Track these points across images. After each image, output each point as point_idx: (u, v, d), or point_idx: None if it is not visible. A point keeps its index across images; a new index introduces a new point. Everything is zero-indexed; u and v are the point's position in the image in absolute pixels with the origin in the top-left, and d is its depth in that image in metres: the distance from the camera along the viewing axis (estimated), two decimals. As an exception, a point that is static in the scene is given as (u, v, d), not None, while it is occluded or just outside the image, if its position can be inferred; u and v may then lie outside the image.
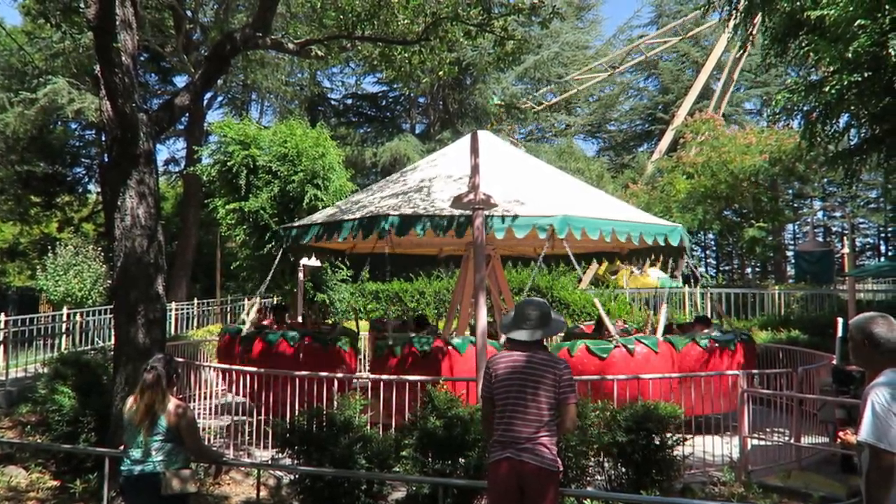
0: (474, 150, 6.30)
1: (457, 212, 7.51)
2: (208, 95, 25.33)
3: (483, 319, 6.12)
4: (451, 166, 9.40)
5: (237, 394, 8.63)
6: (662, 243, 8.91)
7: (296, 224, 9.86)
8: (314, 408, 6.21)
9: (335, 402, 6.41)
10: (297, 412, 6.66)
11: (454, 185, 8.64)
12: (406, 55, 8.39)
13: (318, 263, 13.33)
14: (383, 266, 12.36)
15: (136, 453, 4.19)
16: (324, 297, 16.21)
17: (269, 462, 6.63)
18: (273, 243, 12.49)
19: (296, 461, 5.89)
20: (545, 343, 4.03)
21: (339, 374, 7.57)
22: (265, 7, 7.28)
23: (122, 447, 4.44)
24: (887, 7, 7.77)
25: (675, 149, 24.09)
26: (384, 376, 7.21)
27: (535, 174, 9.88)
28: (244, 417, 8.44)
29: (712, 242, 37.16)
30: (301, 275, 13.40)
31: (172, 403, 4.25)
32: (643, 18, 40.56)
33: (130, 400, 4.36)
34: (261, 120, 28.65)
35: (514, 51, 8.17)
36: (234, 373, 8.32)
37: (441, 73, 8.87)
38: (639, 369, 7.55)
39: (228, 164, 14.02)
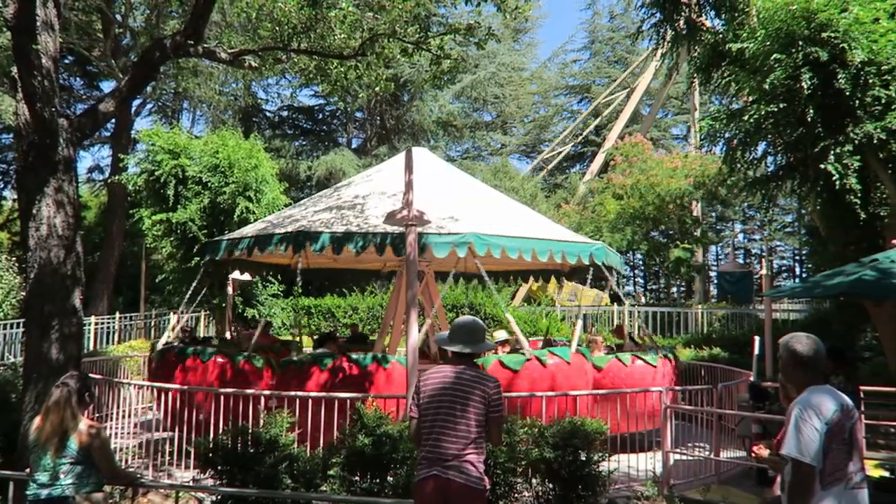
0: (408, 167, 6.31)
1: (390, 228, 7.50)
2: (137, 102, 24.53)
3: (414, 336, 6.10)
4: (386, 182, 9.39)
5: (158, 411, 8.30)
6: (587, 262, 9.10)
7: (225, 237, 9.62)
8: (238, 426, 6.03)
9: (261, 420, 6.24)
10: (220, 431, 6.45)
11: (388, 201, 8.63)
12: (342, 69, 8.36)
13: (248, 278, 13.04)
14: (317, 281, 12.22)
15: (43, 476, 3.96)
16: (254, 312, 15.84)
17: (190, 483, 6.38)
18: (201, 256, 12.17)
19: (218, 482, 5.69)
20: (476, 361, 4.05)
21: (266, 392, 7.37)
22: (198, 14, 7.11)
23: (27, 470, 4.18)
24: (800, 43, 8.27)
25: (605, 170, 24.78)
26: (312, 393, 7.07)
27: (471, 192, 9.98)
28: (165, 436, 8.12)
29: (640, 262, 38.30)
30: (230, 289, 13.06)
31: (84, 423, 4.04)
32: (577, 43, 41.78)
33: (38, 419, 4.12)
34: (192, 129, 27.90)
35: (450, 70, 8.26)
36: (156, 390, 8.01)
37: (378, 88, 8.87)
38: (553, 381, 7.70)
39: (156, 173, 13.59)
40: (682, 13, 10.49)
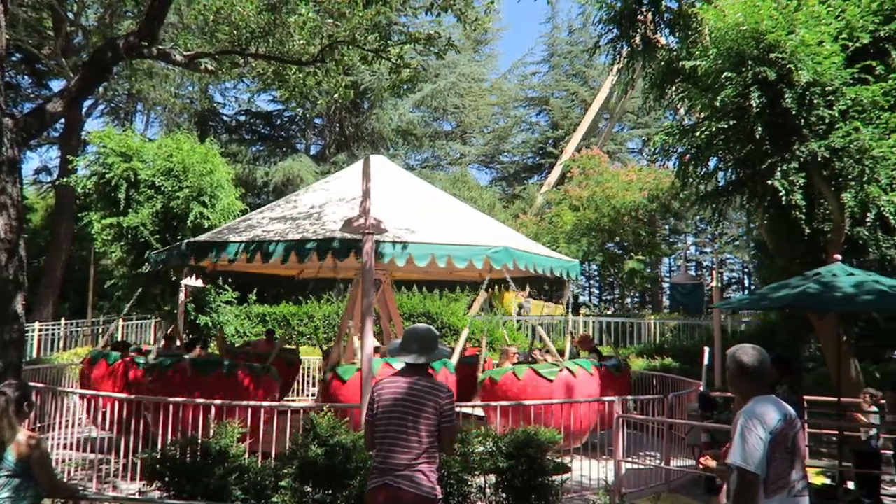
0: (366, 175, 6.29)
1: (348, 236, 7.44)
2: (88, 103, 23.88)
3: (369, 345, 6.06)
4: (344, 190, 9.33)
5: (101, 423, 8.05)
6: (544, 273, 9.20)
7: (178, 243, 9.42)
8: (188, 436, 5.89)
9: (211, 431, 6.11)
10: (169, 441, 6.28)
11: (346, 208, 8.58)
12: (301, 75, 8.29)
13: (200, 284, 12.77)
14: (271, 288, 12.06)
15: (-22, 490, 3.79)
16: (207, 320, 15.51)
17: (136, 496, 6.20)
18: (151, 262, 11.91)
19: (165, 494, 5.54)
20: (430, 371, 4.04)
21: (217, 402, 7.22)
22: (153, 15, 6.98)
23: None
24: (750, 63, 8.53)
25: (563, 182, 25.11)
26: (265, 402, 6.95)
27: (430, 201, 9.98)
28: (110, 447, 7.87)
29: (596, 273, 38.86)
30: (182, 296, 12.77)
31: (23, 434, 3.88)
32: (536, 56, 42.28)
33: (-28, 431, 3.94)
34: (146, 132, 27.28)
35: (409, 78, 8.27)
36: (100, 400, 7.77)
37: (337, 95, 8.83)
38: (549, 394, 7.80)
39: (107, 176, 13.24)
40: (638, 30, 10.74)
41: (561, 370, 8.22)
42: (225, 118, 30.21)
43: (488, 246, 8.22)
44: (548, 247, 17.40)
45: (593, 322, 18.95)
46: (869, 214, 8.69)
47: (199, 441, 5.79)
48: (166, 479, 5.61)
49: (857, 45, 8.70)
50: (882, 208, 8.52)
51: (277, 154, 27.60)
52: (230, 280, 13.01)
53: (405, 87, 8.76)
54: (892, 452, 8.11)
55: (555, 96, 38.69)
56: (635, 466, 7.94)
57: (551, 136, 37.84)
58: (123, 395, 7.55)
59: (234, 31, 7.70)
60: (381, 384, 3.84)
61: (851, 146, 8.28)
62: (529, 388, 7.96)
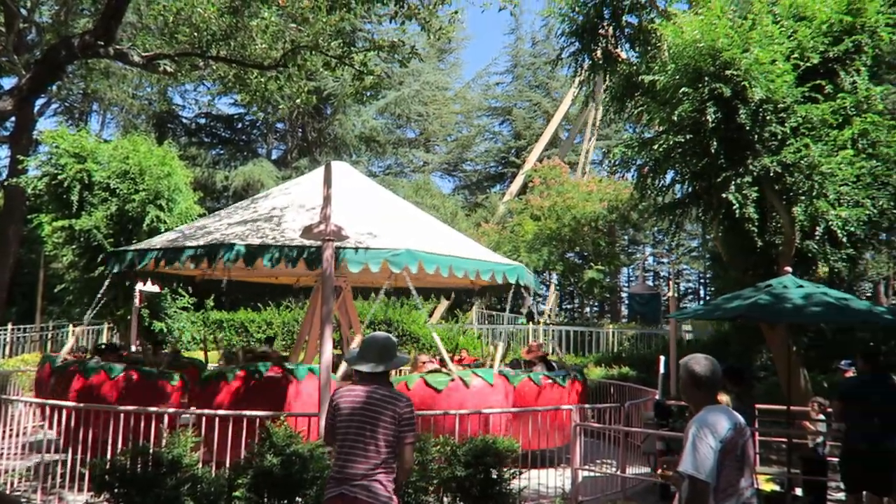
0: (327, 182, 6.25)
1: (307, 242, 7.38)
2: (41, 102, 23.21)
3: (328, 353, 6.01)
4: (305, 195, 9.25)
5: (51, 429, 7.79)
6: (500, 281, 9.23)
7: (132, 247, 9.20)
8: (138, 446, 5.73)
9: (163, 440, 5.96)
10: (118, 451, 6.11)
11: (307, 214, 8.50)
12: (262, 80, 8.21)
13: (156, 289, 12.50)
14: (230, 294, 11.85)
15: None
16: (161, 326, 15.18)
17: (83, 507, 6.01)
18: (105, 266, 11.62)
19: (114, 505, 5.39)
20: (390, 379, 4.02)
21: (170, 409, 7.06)
22: (110, 14, 6.83)
23: None
24: (706, 79, 8.75)
25: (525, 192, 25.34)
26: (220, 411, 6.82)
27: (390, 208, 9.96)
28: (57, 457, 7.62)
29: (556, 282, 39.25)
30: (137, 301, 12.48)
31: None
32: (500, 66, 42.67)
33: None
34: (101, 133, 26.66)
35: (372, 85, 8.25)
36: (48, 408, 7.51)
37: (299, 100, 8.76)
38: (475, 402, 7.70)
39: (59, 177, 12.89)
40: (600, 44, 10.93)
41: (452, 380, 8.02)
42: (184, 120, 29.72)
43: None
44: (509, 256, 17.53)
45: (553, 331, 19.11)
46: (818, 228, 8.97)
47: (151, 450, 5.65)
48: (115, 489, 5.45)
49: (808, 64, 9.00)
50: (830, 223, 8.80)
51: (238, 158, 27.25)
52: (188, 286, 12.73)
53: (368, 93, 8.73)
54: (837, 460, 8.36)
55: (518, 107, 39.10)
56: (592, 474, 8.02)
57: (514, 145, 38.19)
58: (71, 404, 7.32)
59: (195, 33, 7.58)
60: (340, 392, 3.80)
61: (802, 162, 8.55)
62: (418, 397, 7.78)
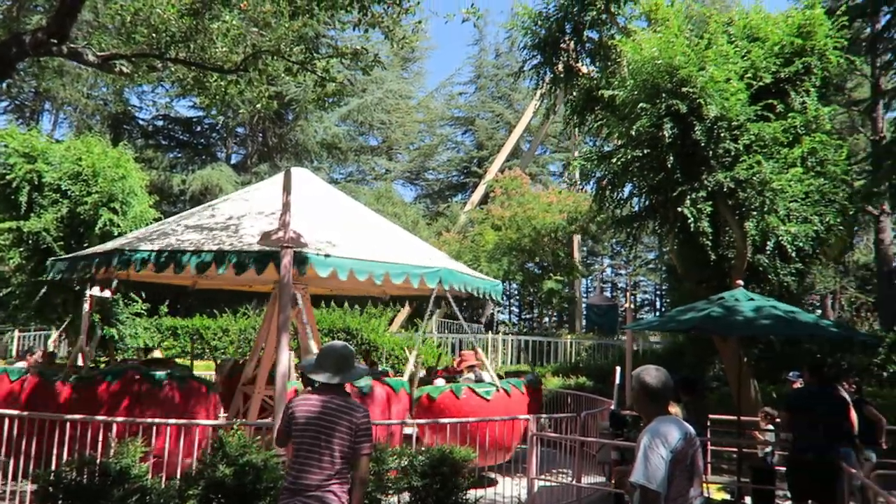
0: (286, 188, 6.18)
1: (266, 248, 7.27)
2: (-10, 99, 22.49)
3: (284, 361, 5.93)
4: (265, 202, 9.13)
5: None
6: (482, 296, 9.25)
7: (83, 252, 8.95)
8: (84, 456, 5.56)
9: (111, 450, 5.79)
10: (64, 461, 5.91)
11: (265, 220, 8.39)
12: (222, 83, 8.08)
13: (107, 294, 12.16)
14: (185, 300, 11.60)
15: None
16: (113, 332, 14.76)
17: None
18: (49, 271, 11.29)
19: (58, 518, 5.21)
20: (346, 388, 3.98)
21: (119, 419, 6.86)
22: (64, 11, 6.66)
23: None
24: (664, 95, 8.95)
25: (486, 202, 25.49)
26: (171, 420, 6.66)
27: (352, 216, 9.89)
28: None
29: (516, 292, 39.51)
30: (87, 306, 12.12)
31: None
32: (464, 77, 42.96)
33: None
34: (53, 133, 25.91)
35: (334, 92, 8.21)
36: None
37: (259, 105, 8.66)
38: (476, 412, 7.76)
39: (7, 177, 12.45)
40: (561, 58, 11.10)
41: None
42: (141, 122, 29.08)
43: (425, 266, 8.20)
44: (469, 265, 17.58)
45: (512, 341, 19.21)
46: (769, 243, 9.24)
47: (98, 460, 5.48)
48: (60, 501, 5.27)
49: (761, 84, 9.30)
50: (780, 238, 9.07)
51: (196, 162, 26.80)
52: (141, 291, 12.46)
53: (331, 100, 8.69)
54: (785, 469, 8.58)
55: (480, 117, 39.38)
56: (548, 484, 8.06)
57: (476, 155, 38.42)
58: (14, 412, 7.05)
59: (153, 34, 7.43)
60: (295, 402, 3.75)
61: (754, 178, 8.81)
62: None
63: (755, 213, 9.09)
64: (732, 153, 8.95)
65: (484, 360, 8.97)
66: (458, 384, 8.40)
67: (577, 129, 11.82)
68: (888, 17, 17.37)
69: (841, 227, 9.93)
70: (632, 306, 14.59)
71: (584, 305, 27.10)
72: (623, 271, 41.17)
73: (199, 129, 29.65)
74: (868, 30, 17.66)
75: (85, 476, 5.34)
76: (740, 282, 8.36)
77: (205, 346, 17.88)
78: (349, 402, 3.73)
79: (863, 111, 19.00)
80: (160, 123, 29.32)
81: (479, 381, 8.75)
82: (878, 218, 18.48)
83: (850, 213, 10.30)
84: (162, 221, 10.62)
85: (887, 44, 17.12)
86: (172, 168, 26.38)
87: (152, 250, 7.76)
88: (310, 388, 4.00)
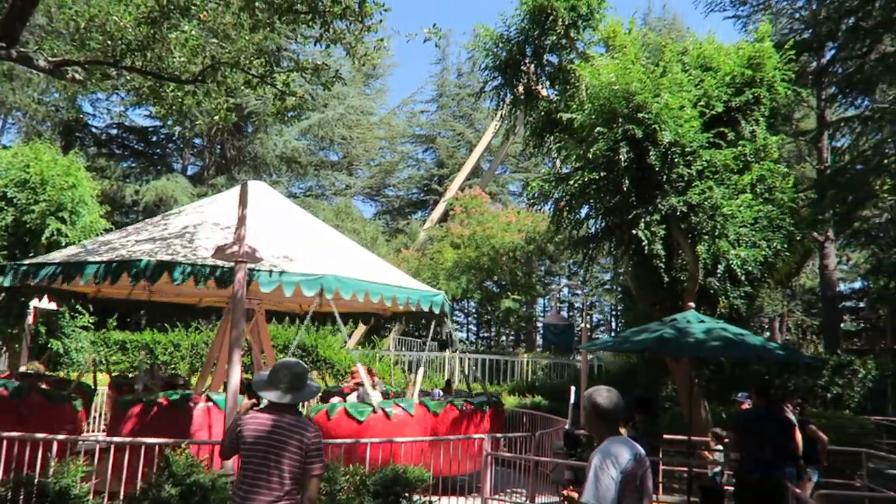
0: (242, 202, 6.10)
1: (220, 263, 7.14)
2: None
3: (236, 378, 5.80)
4: (220, 214, 8.98)
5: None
6: (426, 309, 9.21)
7: (27, 261, 8.64)
8: (22, 475, 5.33)
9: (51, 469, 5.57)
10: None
11: (221, 234, 8.25)
12: (179, 93, 7.94)
13: (53, 307, 11.78)
14: (135, 313, 11.27)
15: None
16: (58, 345, 14.25)
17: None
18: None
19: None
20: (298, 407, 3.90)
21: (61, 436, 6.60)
22: (14, 14, 6.48)
23: None
24: (620, 120, 9.15)
25: (446, 220, 25.57)
26: (115, 438, 6.44)
27: (308, 231, 9.80)
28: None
29: (474, 310, 39.59)
30: (30, 318, 11.70)
31: None
32: (426, 95, 43.09)
33: None
34: (0, 139, 25.08)
35: (294, 107, 8.14)
36: None
37: (217, 117, 8.53)
38: (395, 432, 7.60)
39: (-52, 183, 12.01)
40: (522, 80, 11.25)
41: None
42: (94, 130, 28.34)
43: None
44: (428, 283, 17.56)
45: (468, 359, 19.20)
46: (719, 266, 9.47)
47: (36, 481, 5.26)
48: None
49: (713, 112, 9.58)
50: (730, 261, 9.31)
51: (150, 172, 26.23)
52: (87, 304, 12.07)
53: (291, 114, 8.60)
54: (733, 489, 8.73)
55: (441, 135, 39.57)
56: (502, 503, 8.04)
57: (436, 173, 38.54)
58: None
59: (109, 42, 7.26)
60: (244, 419, 3.65)
61: (706, 203, 9.04)
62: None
63: (707, 237, 9.32)
64: (685, 178, 9.18)
65: (365, 379, 8.40)
66: (333, 405, 7.98)
67: (536, 150, 11.97)
68: (833, 52, 18.16)
69: (788, 253, 10.25)
70: (588, 326, 14.74)
71: (540, 324, 27.29)
72: (580, 291, 41.64)
73: (154, 138, 29.06)
74: (814, 64, 18.43)
75: (21, 496, 5.12)
76: (692, 304, 8.54)
77: (154, 361, 17.38)
78: (300, 420, 3.65)
79: (809, 141, 19.77)
80: (114, 132, 28.63)
81: (362, 400, 8.35)
82: (822, 244, 19.15)
83: (798, 238, 10.65)
84: (113, 232, 10.36)
85: (832, 77, 17.87)
86: (126, 178, 25.76)
87: (101, 261, 7.56)
88: (254, 401, 3.90)
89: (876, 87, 16.48)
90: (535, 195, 10.89)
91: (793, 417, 7.26)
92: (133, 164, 27.22)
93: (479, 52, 11.42)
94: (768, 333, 27.61)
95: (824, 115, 18.96)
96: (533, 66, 11.16)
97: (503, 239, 21.58)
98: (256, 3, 6.81)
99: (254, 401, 3.95)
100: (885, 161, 15.60)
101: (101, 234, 12.58)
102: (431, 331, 11.60)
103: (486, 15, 68.46)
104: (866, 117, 16.20)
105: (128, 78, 8.05)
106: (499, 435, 9.09)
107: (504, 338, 36.40)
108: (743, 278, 9.70)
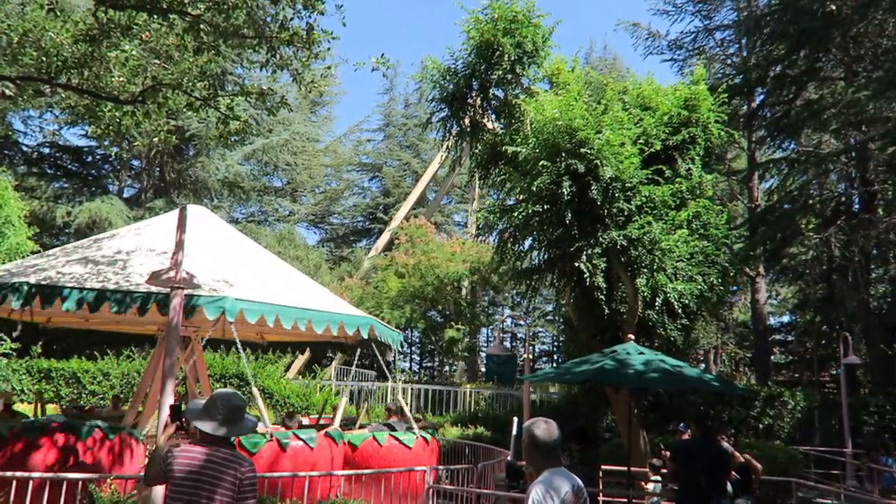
0: (181, 226, 5.92)
1: (154, 289, 6.89)
2: None
3: (168, 408, 5.55)
4: (157, 239, 8.70)
5: None
6: (366, 335, 9.06)
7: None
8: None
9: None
10: None
11: (157, 259, 7.97)
12: (117, 114, 7.71)
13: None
14: (62, 341, 10.75)
15: None
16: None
17: None
18: None
19: None
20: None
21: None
22: (-57, 27, 6.21)
23: None
24: (563, 154, 9.35)
25: (390, 248, 25.47)
26: (35, 474, 6.06)
27: (248, 257, 9.58)
28: None
29: (417, 340, 39.40)
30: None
31: None
32: (372, 124, 43.26)
33: None
34: (-79, 155, 23.82)
35: (238, 131, 8.01)
36: None
37: (157, 139, 8.32)
38: (293, 464, 7.25)
39: None
40: (468, 113, 11.41)
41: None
42: (25, 148, 27.19)
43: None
44: (371, 312, 17.39)
45: (412, 389, 19.02)
46: (658, 299, 9.70)
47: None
48: None
49: (652, 150, 9.92)
50: (668, 294, 9.56)
51: (84, 193, 25.29)
52: (10, 330, 11.44)
53: (234, 138, 8.45)
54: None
55: (388, 164, 39.67)
56: (442, 538, 7.89)
57: (382, 202, 38.51)
58: None
59: (43, 58, 7.02)
60: (175, 453, 3.48)
61: (645, 237, 9.29)
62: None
63: (646, 270, 9.56)
64: (625, 213, 9.42)
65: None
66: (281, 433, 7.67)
67: (481, 182, 12.10)
68: (762, 97, 19.13)
69: (721, 287, 10.59)
70: (530, 357, 14.82)
71: (483, 355, 27.31)
72: (523, 322, 41.97)
73: (89, 159, 28.09)
74: (745, 107, 19.36)
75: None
76: (631, 336, 8.70)
77: (81, 390, 16.57)
78: (235, 454, 3.51)
79: (740, 181, 20.66)
80: (46, 151, 27.53)
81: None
82: (753, 279, 19.91)
83: (731, 274, 11.02)
84: (41, 254, 9.90)
85: (761, 121, 18.80)
86: (57, 199, 24.78)
87: (27, 282, 7.19)
88: (180, 425, 3.75)
89: (801, 132, 17.41)
90: (480, 226, 10.99)
91: (730, 447, 7.43)
92: (66, 185, 26.21)
93: (427, 83, 11.55)
94: (703, 365, 28.36)
95: (754, 156, 19.90)
96: (479, 99, 11.33)
97: (448, 269, 21.62)
98: (201, 26, 6.71)
99: (177, 423, 3.79)
100: (811, 201, 16.43)
101: (28, 255, 12.04)
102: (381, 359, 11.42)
103: (434, 47, 69.54)
104: (793, 159, 17.08)
105: (63, 96, 7.78)
106: (441, 466, 8.98)
107: (447, 368, 36.28)
108: (680, 311, 9.95)
